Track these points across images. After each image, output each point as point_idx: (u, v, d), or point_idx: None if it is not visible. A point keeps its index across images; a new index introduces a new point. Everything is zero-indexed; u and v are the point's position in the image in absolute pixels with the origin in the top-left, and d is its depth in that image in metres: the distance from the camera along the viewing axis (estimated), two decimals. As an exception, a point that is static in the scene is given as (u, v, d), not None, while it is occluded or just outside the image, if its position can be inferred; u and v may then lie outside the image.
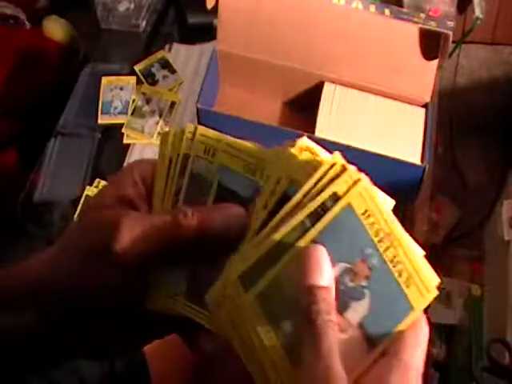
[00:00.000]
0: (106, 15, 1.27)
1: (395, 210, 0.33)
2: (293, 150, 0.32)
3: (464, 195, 1.80)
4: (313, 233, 0.31)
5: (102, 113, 1.13)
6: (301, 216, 0.31)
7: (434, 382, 1.39)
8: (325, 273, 0.31)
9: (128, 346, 0.40)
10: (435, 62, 0.96)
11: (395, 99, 1.01)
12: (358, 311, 0.31)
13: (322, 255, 0.31)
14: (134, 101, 1.13)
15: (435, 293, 0.32)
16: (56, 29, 1.28)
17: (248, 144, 0.35)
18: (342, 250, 0.31)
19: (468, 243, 1.72)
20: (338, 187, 0.31)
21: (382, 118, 1.00)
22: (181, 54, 1.21)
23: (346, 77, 1.01)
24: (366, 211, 0.31)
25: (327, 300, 0.30)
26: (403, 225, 0.32)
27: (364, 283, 0.31)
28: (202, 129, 0.36)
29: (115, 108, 1.13)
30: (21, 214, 1.03)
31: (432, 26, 0.93)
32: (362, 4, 0.95)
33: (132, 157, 1.09)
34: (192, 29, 1.26)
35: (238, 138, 0.35)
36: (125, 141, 1.09)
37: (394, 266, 0.31)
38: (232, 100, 1.08)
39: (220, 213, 0.34)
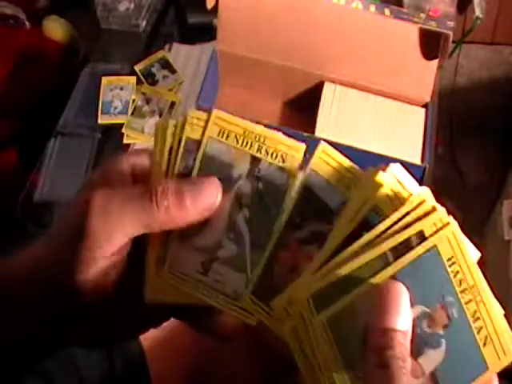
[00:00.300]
0: (106, 15, 1.27)
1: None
2: (380, 177, 0.31)
3: (464, 195, 1.80)
4: (394, 268, 0.29)
5: (101, 113, 1.12)
6: (384, 247, 0.29)
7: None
8: (404, 315, 0.29)
9: (124, 334, 0.40)
10: (435, 62, 0.96)
11: (395, 99, 1.01)
12: (432, 360, 0.30)
13: (403, 295, 0.29)
14: (134, 101, 1.13)
15: None
16: (56, 29, 1.28)
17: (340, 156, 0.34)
18: (422, 293, 0.30)
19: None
20: (426, 227, 0.29)
21: (382, 118, 1.00)
22: (181, 54, 1.21)
23: (346, 77, 1.01)
24: (451, 257, 0.30)
25: (404, 345, 0.28)
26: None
27: (441, 332, 0.30)
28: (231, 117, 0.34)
29: (115, 108, 1.13)
30: (21, 214, 1.03)
31: (432, 26, 0.93)
32: (362, 4, 0.95)
33: (132, 157, 1.09)
34: (192, 29, 1.26)
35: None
36: (125, 141, 1.09)
37: (474, 321, 0.30)
38: (232, 100, 1.08)
39: (198, 189, 0.33)
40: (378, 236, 0.30)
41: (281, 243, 0.33)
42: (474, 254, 0.31)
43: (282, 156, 0.33)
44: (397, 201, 0.30)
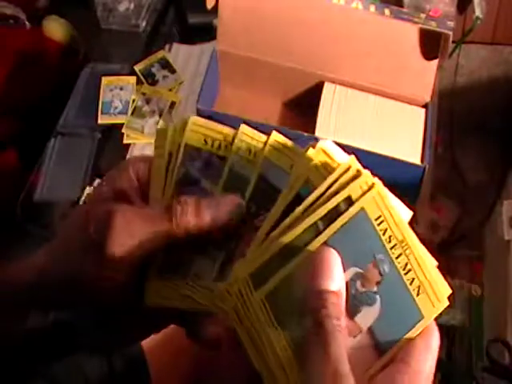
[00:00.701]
0: (106, 15, 1.27)
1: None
2: (310, 152, 0.32)
3: (464, 195, 1.80)
4: (325, 235, 0.31)
5: (101, 113, 1.12)
6: (314, 218, 0.30)
7: (434, 382, 1.39)
8: (336, 277, 0.30)
9: (125, 339, 0.40)
10: (435, 62, 0.96)
11: (395, 99, 1.01)
12: (368, 317, 0.31)
13: (333, 259, 0.31)
14: (134, 101, 1.13)
15: (446, 303, 0.32)
16: (56, 29, 1.28)
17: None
18: (354, 255, 0.31)
19: (468, 243, 1.72)
20: (353, 191, 0.31)
21: (382, 118, 1.00)
22: (181, 54, 1.21)
23: (346, 77, 1.01)
24: (379, 217, 0.31)
25: (337, 305, 0.30)
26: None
27: (375, 289, 0.31)
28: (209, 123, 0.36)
29: (115, 108, 1.13)
30: (21, 214, 1.03)
31: (432, 25, 0.93)
32: (362, 4, 0.95)
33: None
34: (192, 29, 1.26)
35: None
36: (125, 141, 1.09)
37: (405, 274, 0.31)
38: (232, 100, 1.08)
39: (217, 209, 0.34)
40: (309, 207, 0.31)
41: (240, 234, 0.35)
42: (405, 212, 0.33)
43: (249, 149, 0.36)
44: (325, 172, 0.31)
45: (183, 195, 0.35)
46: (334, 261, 0.31)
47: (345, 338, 0.30)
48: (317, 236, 0.31)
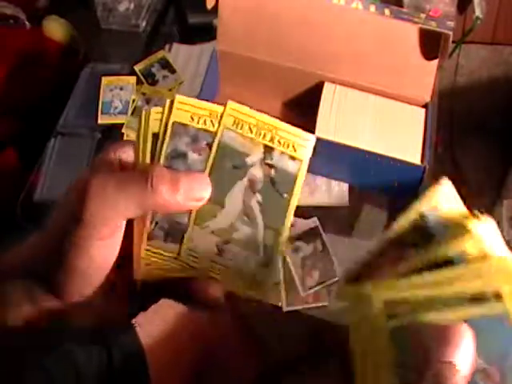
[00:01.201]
0: (106, 15, 1.27)
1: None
2: (473, 226, 0.34)
3: (464, 195, 1.80)
4: (468, 312, 0.31)
5: (101, 113, 1.13)
6: (466, 289, 0.31)
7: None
8: (469, 360, 0.30)
9: (116, 317, 0.41)
10: (435, 62, 0.96)
11: (395, 99, 1.01)
12: None
13: (471, 341, 0.31)
14: (134, 101, 1.13)
15: None
16: (56, 29, 1.28)
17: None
18: (484, 347, 0.31)
19: (468, 243, 1.72)
20: (504, 290, 0.31)
21: (381, 118, 1.00)
22: (181, 54, 1.21)
23: (346, 77, 1.01)
24: None
25: None
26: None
27: None
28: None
29: (115, 108, 1.13)
30: (21, 214, 1.03)
31: (432, 25, 0.93)
32: (362, 4, 0.95)
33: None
34: (192, 29, 1.26)
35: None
36: (125, 141, 1.09)
37: None
38: (232, 100, 1.08)
39: (191, 181, 0.35)
40: (461, 276, 0.31)
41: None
42: None
43: (293, 146, 0.36)
44: (482, 253, 0.32)
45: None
46: (471, 343, 0.31)
47: None
48: (460, 307, 0.31)
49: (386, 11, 0.95)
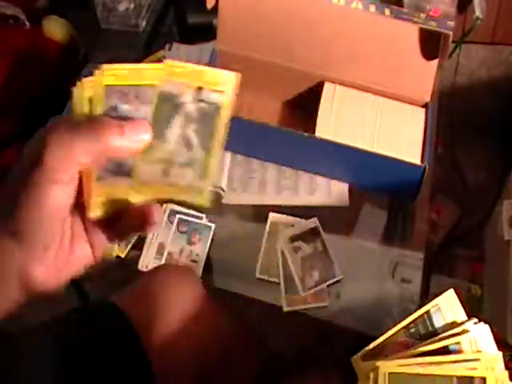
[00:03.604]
0: (106, 15, 1.27)
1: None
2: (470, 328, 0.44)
3: (464, 195, 1.80)
4: None
5: (101, 113, 1.12)
6: (454, 372, 0.39)
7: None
8: None
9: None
10: (435, 62, 0.96)
11: (395, 99, 1.01)
12: None
13: None
14: (134, 101, 1.13)
15: None
16: (56, 29, 1.28)
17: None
18: None
19: (468, 243, 1.72)
20: (489, 379, 0.39)
21: (382, 118, 1.00)
22: (181, 54, 1.21)
23: (346, 77, 1.01)
24: None
25: None
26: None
27: None
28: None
29: (115, 108, 1.13)
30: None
31: (432, 26, 0.93)
32: (361, 4, 0.95)
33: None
34: (192, 29, 1.26)
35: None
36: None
37: None
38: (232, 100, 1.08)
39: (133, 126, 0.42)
40: (453, 362, 0.40)
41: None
42: None
43: (217, 83, 0.47)
44: (475, 350, 0.42)
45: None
46: None
47: None
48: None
49: (386, 11, 0.95)
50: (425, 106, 1.01)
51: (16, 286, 0.40)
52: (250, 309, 0.96)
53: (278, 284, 0.94)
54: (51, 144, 0.38)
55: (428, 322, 0.45)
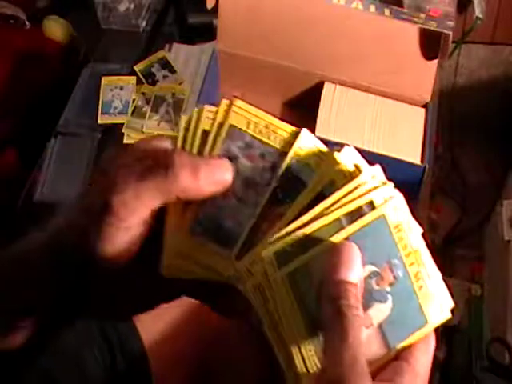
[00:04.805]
0: (106, 15, 1.27)
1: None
2: (337, 155, 0.35)
3: (464, 195, 1.80)
4: (347, 231, 0.33)
5: (101, 113, 1.13)
6: (339, 213, 0.33)
7: (434, 382, 1.39)
8: (356, 270, 0.32)
9: (137, 307, 0.41)
10: (435, 62, 0.96)
11: (395, 99, 1.01)
12: (379, 313, 0.33)
13: (355, 253, 0.33)
14: (134, 101, 1.13)
15: (449, 316, 0.34)
16: (56, 29, 1.28)
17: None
18: (372, 254, 0.33)
19: (468, 243, 1.72)
20: (376, 197, 0.34)
21: (382, 118, 1.00)
22: (181, 54, 1.21)
23: (346, 77, 1.01)
24: (397, 225, 0.34)
25: (356, 295, 0.32)
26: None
27: (388, 289, 0.34)
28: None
29: (115, 108, 1.13)
30: (21, 214, 1.03)
31: (432, 26, 0.93)
32: (361, 4, 0.95)
33: (132, 157, 1.09)
34: (192, 29, 1.26)
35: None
36: (125, 141, 1.09)
37: (416, 281, 0.34)
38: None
39: (212, 169, 0.36)
40: (334, 203, 0.34)
41: (264, 216, 0.37)
42: (417, 227, 0.36)
43: (279, 139, 0.38)
44: (350, 176, 0.35)
45: None
46: (355, 254, 0.33)
47: (361, 327, 0.32)
48: (339, 231, 0.33)
49: (386, 11, 0.95)
50: (425, 106, 1.01)
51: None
52: (252, 308, 0.96)
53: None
54: (119, 183, 0.35)
55: (292, 175, 0.37)
